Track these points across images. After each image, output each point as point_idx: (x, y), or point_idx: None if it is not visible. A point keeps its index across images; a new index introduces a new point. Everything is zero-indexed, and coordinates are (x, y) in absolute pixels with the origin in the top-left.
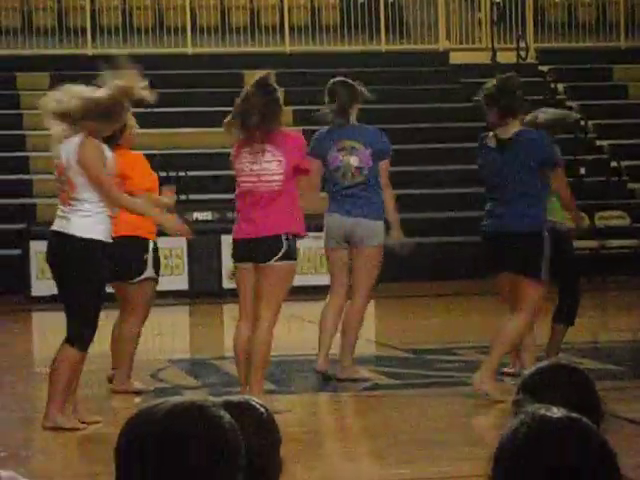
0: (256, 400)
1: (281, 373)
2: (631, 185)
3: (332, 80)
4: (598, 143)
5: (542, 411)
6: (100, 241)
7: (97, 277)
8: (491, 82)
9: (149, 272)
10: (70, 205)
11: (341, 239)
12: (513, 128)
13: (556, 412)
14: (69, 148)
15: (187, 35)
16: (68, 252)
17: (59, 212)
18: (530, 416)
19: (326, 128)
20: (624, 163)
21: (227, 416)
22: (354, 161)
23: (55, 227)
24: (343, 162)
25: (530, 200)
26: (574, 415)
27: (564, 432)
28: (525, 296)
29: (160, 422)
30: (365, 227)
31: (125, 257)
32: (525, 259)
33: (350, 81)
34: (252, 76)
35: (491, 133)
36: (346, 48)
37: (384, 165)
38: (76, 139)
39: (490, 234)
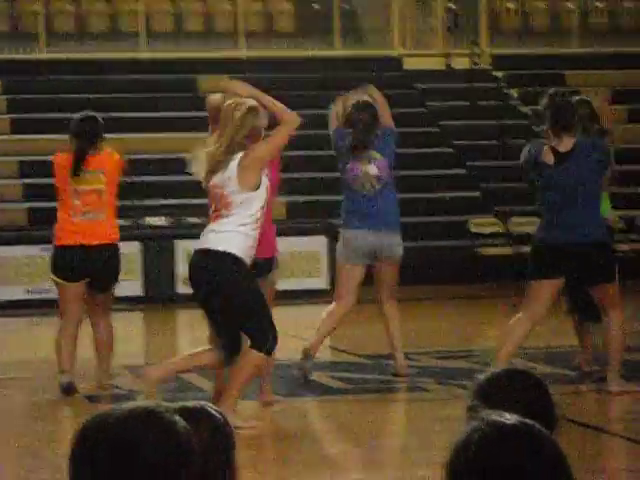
0: (211, 406)
1: None
2: None
3: (354, 103)
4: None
5: (495, 417)
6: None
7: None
8: (547, 98)
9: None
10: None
11: (366, 256)
12: (570, 139)
13: (509, 418)
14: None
15: (141, 40)
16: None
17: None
18: (483, 422)
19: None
20: None
21: (181, 422)
22: (372, 170)
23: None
24: (362, 171)
25: (597, 206)
26: (527, 421)
27: (517, 438)
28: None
29: (113, 428)
30: (391, 244)
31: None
32: (604, 267)
33: (370, 102)
34: (206, 81)
35: (546, 147)
36: (301, 54)
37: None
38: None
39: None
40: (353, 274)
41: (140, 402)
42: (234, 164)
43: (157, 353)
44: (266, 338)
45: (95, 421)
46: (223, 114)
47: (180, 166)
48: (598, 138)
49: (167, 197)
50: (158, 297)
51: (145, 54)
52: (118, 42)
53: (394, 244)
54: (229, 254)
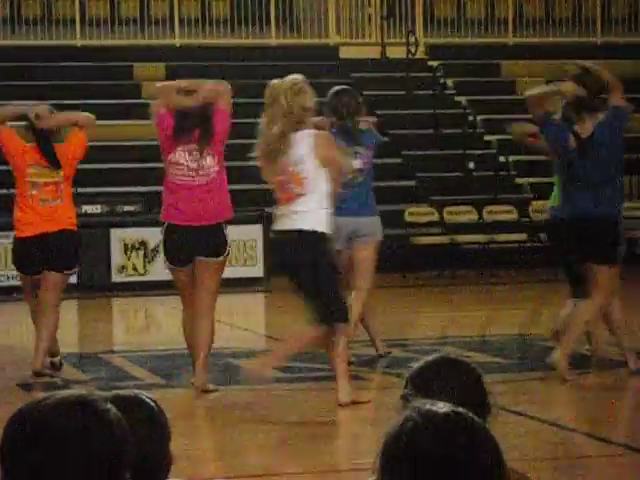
0: (146, 394)
1: (170, 368)
2: (518, 180)
3: (335, 89)
4: (486, 138)
5: (428, 406)
6: None
7: None
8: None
9: None
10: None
11: (345, 239)
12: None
13: (442, 407)
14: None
15: (76, 27)
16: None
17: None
18: (416, 411)
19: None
20: (512, 158)
21: (113, 410)
22: (356, 164)
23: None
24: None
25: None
26: (460, 409)
27: (449, 426)
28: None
29: (45, 416)
30: (369, 224)
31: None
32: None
33: (351, 90)
34: (142, 69)
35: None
36: (236, 41)
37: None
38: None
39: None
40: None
41: (72, 390)
42: (307, 142)
43: (92, 341)
44: (333, 312)
45: (27, 409)
46: (271, 97)
47: (116, 154)
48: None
49: (103, 185)
50: (93, 285)
51: (81, 41)
52: (52, 29)
53: (373, 225)
54: (321, 233)
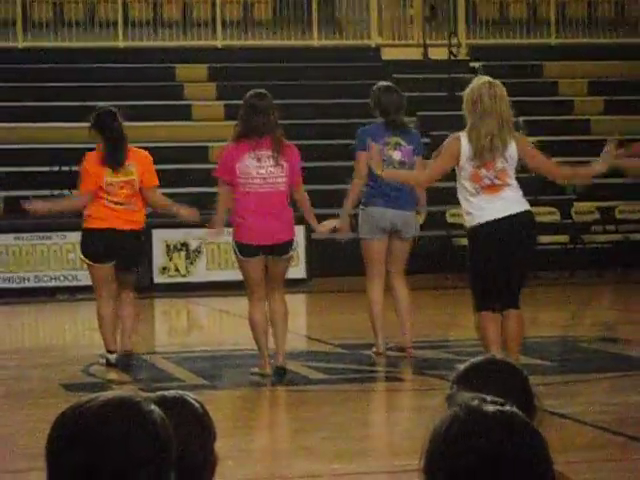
0: (191, 395)
1: (213, 368)
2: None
3: (380, 85)
4: (530, 139)
5: (475, 402)
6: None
7: None
8: None
9: None
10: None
11: (386, 230)
12: None
13: (489, 403)
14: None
15: (119, 28)
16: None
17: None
18: (463, 408)
19: (373, 125)
20: (555, 159)
21: (157, 411)
22: (397, 155)
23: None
24: (387, 156)
25: None
26: (507, 407)
27: (497, 424)
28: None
29: (91, 418)
30: (409, 220)
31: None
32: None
33: (395, 86)
34: (184, 70)
35: None
36: (278, 43)
37: (419, 160)
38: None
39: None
40: (377, 248)
41: (117, 392)
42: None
43: (135, 342)
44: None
45: (71, 411)
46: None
47: (158, 155)
48: None
49: None
50: (135, 286)
51: (124, 43)
52: (95, 31)
53: (411, 222)
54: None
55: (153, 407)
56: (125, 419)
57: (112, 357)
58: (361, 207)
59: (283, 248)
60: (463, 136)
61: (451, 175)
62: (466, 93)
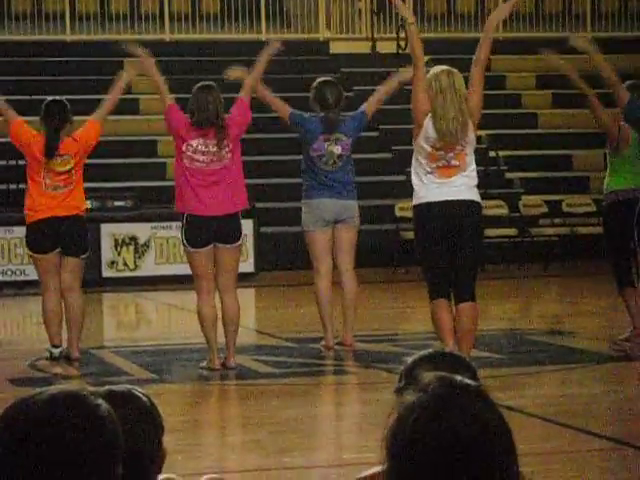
0: (139, 389)
1: (161, 363)
2: (509, 175)
3: (319, 80)
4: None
5: (434, 386)
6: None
7: None
8: None
9: None
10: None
11: (330, 221)
12: None
13: (460, 379)
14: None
15: (66, 22)
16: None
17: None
18: (436, 386)
19: (314, 117)
20: (502, 153)
21: (105, 405)
22: (337, 150)
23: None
24: (327, 150)
25: None
26: (474, 383)
27: (455, 406)
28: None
29: (37, 412)
30: (351, 208)
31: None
32: None
33: (335, 81)
34: (132, 64)
35: None
36: (226, 36)
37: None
38: None
39: None
40: (319, 239)
41: (64, 386)
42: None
43: (83, 337)
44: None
45: (18, 405)
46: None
47: (106, 149)
48: None
49: (93, 181)
50: (84, 281)
51: (71, 36)
52: (42, 24)
53: (353, 210)
54: (481, 207)
55: (100, 401)
56: (72, 413)
57: (56, 351)
58: (303, 200)
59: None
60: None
61: (399, 169)
62: (427, 79)
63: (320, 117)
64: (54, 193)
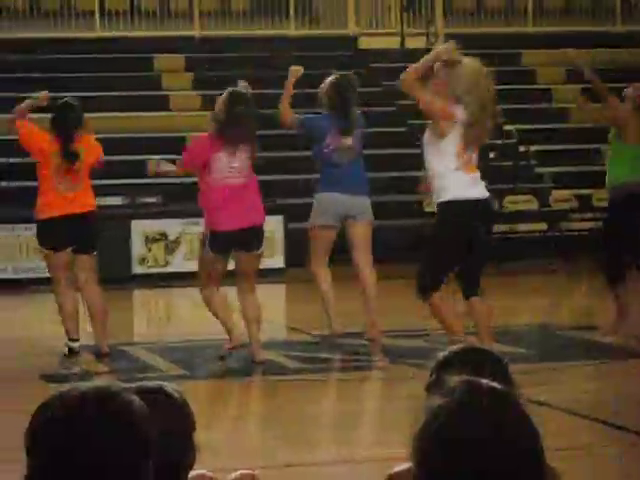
0: (170, 386)
1: (192, 359)
2: (539, 169)
3: (335, 75)
4: (507, 128)
5: (465, 387)
6: None
7: None
8: None
9: None
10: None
11: (340, 216)
12: None
13: (486, 382)
14: None
15: (96, 18)
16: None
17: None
18: (454, 391)
19: (325, 115)
20: (532, 147)
21: (137, 401)
22: (348, 141)
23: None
24: (341, 143)
25: None
26: (500, 388)
27: (485, 407)
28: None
29: (70, 408)
30: (363, 204)
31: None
32: None
33: (350, 75)
34: (162, 60)
35: None
36: (255, 33)
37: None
38: None
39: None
40: (324, 235)
41: (96, 382)
42: None
43: (113, 333)
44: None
45: (52, 401)
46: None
47: (136, 146)
48: None
49: (123, 177)
50: (113, 278)
51: (101, 33)
52: (72, 21)
53: (364, 206)
54: None
55: (133, 397)
56: (104, 409)
57: (75, 345)
58: (315, 194)
59: None
60: (458, 108)
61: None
62: (466, 73)
63: (336, 114)
64: (66, 191)
